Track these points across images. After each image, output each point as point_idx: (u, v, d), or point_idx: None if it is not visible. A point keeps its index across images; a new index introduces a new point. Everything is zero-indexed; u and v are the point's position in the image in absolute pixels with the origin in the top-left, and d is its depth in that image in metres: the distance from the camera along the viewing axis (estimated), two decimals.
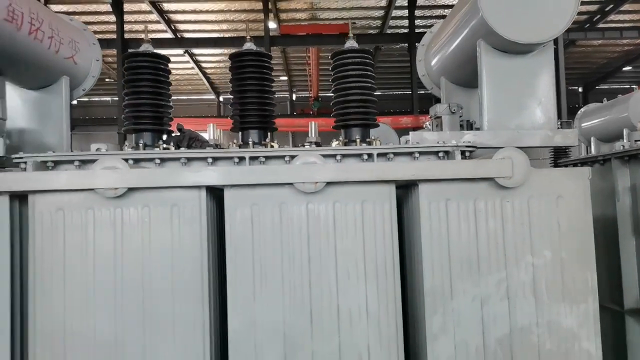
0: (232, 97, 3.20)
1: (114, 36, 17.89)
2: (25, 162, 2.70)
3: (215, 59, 22.83)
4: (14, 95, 3.43)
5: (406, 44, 18.76)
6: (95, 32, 3.95)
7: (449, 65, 3.77)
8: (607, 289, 4.60)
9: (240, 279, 2.67)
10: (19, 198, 2.72)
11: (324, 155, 2.74)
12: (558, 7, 2.88)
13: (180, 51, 21.12)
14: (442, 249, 2.69)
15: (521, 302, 2.68)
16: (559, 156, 6.79)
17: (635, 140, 4.39)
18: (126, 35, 17.91)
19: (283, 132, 22.34)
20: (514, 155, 2.68)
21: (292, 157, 2.74)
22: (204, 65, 24.06)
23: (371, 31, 20.72)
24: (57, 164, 2.72)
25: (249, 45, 3.17)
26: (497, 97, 3.04)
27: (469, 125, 3.46)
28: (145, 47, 3.09)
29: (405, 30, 19.10)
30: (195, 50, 21.68)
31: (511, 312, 2.68)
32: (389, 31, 20.44)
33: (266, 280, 2.66)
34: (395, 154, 2.82)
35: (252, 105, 3.10)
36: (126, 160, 2.67)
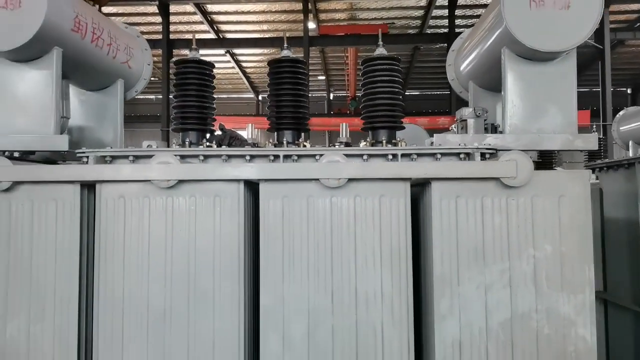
0: (269, 99, 3.38)
1: (159, 36, 18.00)
2: (87, 157, 2.97)
3: (256, 58, 22.74)
4: (75, 96, 3.68)
5: (445, 44, 18.05)
6: (142, 33, 4.27)
7: (476, 70, 3.81)
8: (629, 291, 4.63)
9: (271, 261, 2.91)
10: (87, 187, 3.03)
11: (352, 155, 2.93)
12: (581, 15, 2.89)
13: (222, 51, 21.18)
14: (451, 241, 2.84)
15: (522, 291, 2.81)
16: (593, 159, 6.79)
17: None
18: (171, 36, 18.18)
19: (320, 131, 22.40)
20: (519, 158, 2.81)
21: (322, 155, 2.91)
22: (244, 64, 24.00)
23: (410, 31, 20.27)
24: (114, 158, 3.00)
25: (285, 52, 3.36)
26: (520, 102, 3.07)
27: (494, 129, 3.45)
28: (193, 54, 3.32)
29: (445, 30, 18.47)
30: (237, 50, 21.65)
31: (512, 299, 2.81)
32: (428, 31, 19.86)
33: (293, 263, 2.90)
34: (419, 154, 2.94)
35: (287, 108, 3.28)
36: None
